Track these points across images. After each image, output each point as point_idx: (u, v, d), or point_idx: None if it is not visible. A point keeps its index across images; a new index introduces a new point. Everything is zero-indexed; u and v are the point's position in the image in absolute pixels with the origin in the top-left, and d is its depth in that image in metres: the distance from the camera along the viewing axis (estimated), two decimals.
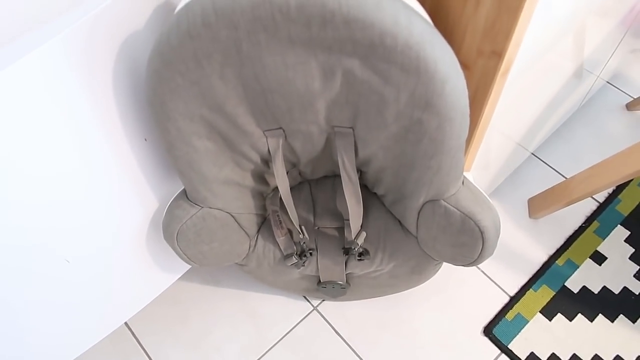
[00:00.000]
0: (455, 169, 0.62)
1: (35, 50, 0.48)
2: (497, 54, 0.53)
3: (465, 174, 0.70)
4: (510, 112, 0.75)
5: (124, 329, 1.00)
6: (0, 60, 0.48)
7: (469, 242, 0.69)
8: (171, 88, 0.54)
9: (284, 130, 0.63)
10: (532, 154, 1.17)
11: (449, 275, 1.03)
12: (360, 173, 0.76)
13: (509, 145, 0.92)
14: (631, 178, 0.86)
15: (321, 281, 0.89)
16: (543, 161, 1.16)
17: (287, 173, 0.76)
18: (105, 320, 0.85)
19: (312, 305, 1.01)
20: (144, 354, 0.98)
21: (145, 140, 0.67)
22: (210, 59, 0.51)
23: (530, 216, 1.09)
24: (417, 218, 0.72)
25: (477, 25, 0.53)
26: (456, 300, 1.01)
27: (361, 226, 0.79)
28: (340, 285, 0.90)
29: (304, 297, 1.02)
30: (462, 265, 0.76)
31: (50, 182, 0.59)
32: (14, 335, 0.71)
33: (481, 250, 0.70)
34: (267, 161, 0.70)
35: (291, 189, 0.84)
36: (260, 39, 0.49)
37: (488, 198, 0.67)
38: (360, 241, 0.78)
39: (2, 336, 0.69)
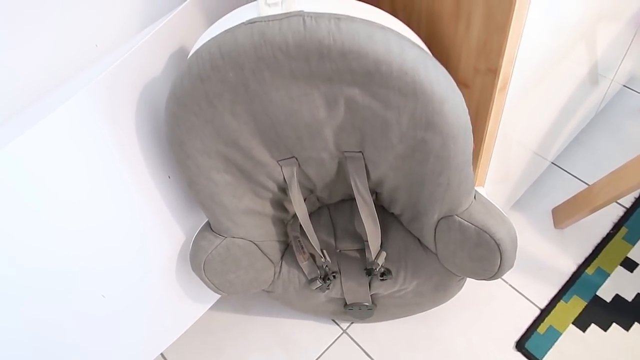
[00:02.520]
0: (465, 183, 0.63)
1: (64, 104, 0.53)
2: (492, 71, 0.55)
3: (477, 188, 0.71)
4: (522, 122, 0.76)
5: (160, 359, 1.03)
6: (35, 113, 0.54)
7: (486, 255, 0.70)
8: (187, 127, 0.58)
9: (296, 159, 0.67)
10: (553, 163, 1.16)
11: (476, 290, 1.03)
12: (376, 195, 0.78)
13: (526, 156, 0.92)
14: None
15: (347, 303, 0.91)
16: (564, 170, 1.15)
17: (305, 199, 0.79)
18: (141, 352, 0.88)
19: (342, 329, 1.02)
20: None
21: (169, 177, 0.72)
22: (221, 99, 0.55)
23: (555, 226, 1.08)
24: (434, 235, 0.74)
25: (471, 45, 0.55)
26: (486, 315, 1.00)
27: (381, 246, 0.81)
28: (367, 306, 0.91)
29: (333, 320, 1.03)
30: (485, 279, 0.76)
31: (83, 223, 0.63)
32: None
33: (500, 262, 0.70)
34: (284, 189, 0.73)
35: (311, 214, 0.87)
36: (265, 76, 0.53)
37: (502, 211, 0.68)
38: (380, 261, 0.80)
39: None
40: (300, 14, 0.49)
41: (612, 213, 1.08)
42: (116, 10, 0.58)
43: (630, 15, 0.86)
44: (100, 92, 0.56)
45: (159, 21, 0.61)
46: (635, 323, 0.94)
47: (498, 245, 0.68)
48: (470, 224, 0.67)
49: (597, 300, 0.98)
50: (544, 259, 1.04)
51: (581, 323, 0.96)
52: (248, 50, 0.50)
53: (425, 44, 0.60)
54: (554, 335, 0.95)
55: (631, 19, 0.89)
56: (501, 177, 0.88)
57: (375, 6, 0.61)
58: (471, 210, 0.67)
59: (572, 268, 1.02)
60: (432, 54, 0.60)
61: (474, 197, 0.68)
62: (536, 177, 1.10)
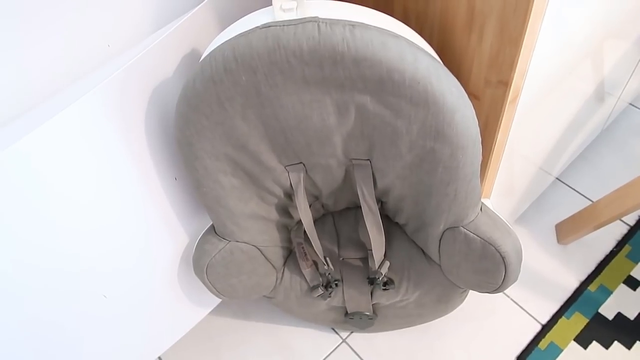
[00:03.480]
0: (472, 195, 0.63)
1: (74, 103, 0.53)
2: (503, 83, 0.55)
3: (484, 200, 0.71)
4: (529, 137, 0.77)
5: None
6: (45, 112, 0.54)
7: (491, 268, 0.70)
8: (197, 129, 0.58)
9: (304, 165, 0.67)
10: (557, 178, 1.16)
11: (478, 304, 1.02)
12: (381, 203, 0.78)
13: (531, 170, 0.92)
14: None
15: (348, 312, 0.90)
16: (569, 186, 1.15)
17: (310, 206, 0.79)
18: (139, 354, 0.88)
19: (341, 338, 1.02)
20: None
21: (176, 179, 0.72)
22: (232, 102, 0.55)
23: (558, 242, 1.08)
24: (439, 246, 0.73)
25: (483, 57, 0.55)
26: (487, 329, 0.99)
27: (385, 256, 0.80)
28: (368, 316, 0.90)
29: (333, 329, 1.03)
30: (488, 292, 0.76)
31: (89, 222, 0.63)
32: None
33: (504, 275, 0.70)
34: (290, 195, 0.73)
35: (315, 221, 0.86)
36: (278, 81, 0.53)
37: (508, 224, 0.68)
38: (384, 270, 0.80)
39: None
40: (315, 20, 0.49)
41: (616, 231, 1.07)
42: (130, 10, 0.59)
43: (638, 34, 0.87)
44: (111, 92, 0.56)
45: (173, 23, 0.61)
46: (637, 342, 0.94)
47: (503, 258, 0.68)
48: (476, 236, 0.67)
49: (599, 318, 0.97)
50: (546, 274, 1.04)
51: (583, 340, 0.95)
52: (262, 54, 0.50)
53: (437, 54, 0.60)
54: (555, 352, 0.95)
55: (639, 38, 0.89)
56: (506, 190, 0.88)
57: (389, 15, 0.62)
58: (477, 222, 0.67)
59: (575, 284, 1.02)
60: (444, 64, 0.60)
61: (481, 209, 0.67)
62: (540, 192, 1.10)
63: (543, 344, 0.96)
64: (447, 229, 0.69)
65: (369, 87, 0.52)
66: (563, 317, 0.98)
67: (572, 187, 1.15)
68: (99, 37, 0.58)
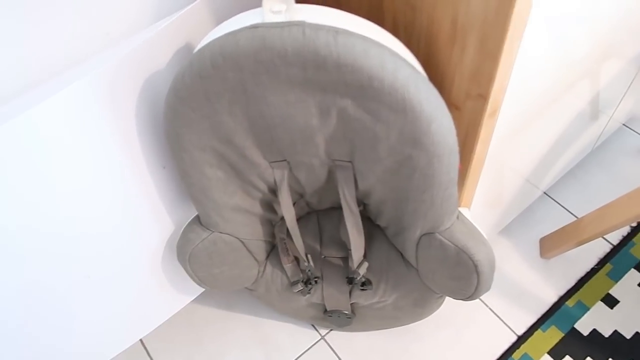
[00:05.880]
0: (448, 203, 0.65)
1: (67, 88, 0.56)
2: (483, 97, 0.57)
3: (462, 209, 0.73)
4: (514, 150, 0.78)
5: (139, 346, 1.04)
6: (40, 94, 0.56)
7: (464, 275, 0.71)
8: (185, 122, 0.60)
9: (288, 162, 0.68)
10: (545, 193, 1.18)
11: (456, 311, 1.04)
12: (364, 206, 0.80)
13: (517, 183, 0.94)
14: None
15: (327, 310, 0.92)
16: (556, 201, 1.16)
17: (294, 203, 0.81)
18: (121, 336, 0.90)
19: (320, 335, 1.04)
20: None
21: (164, 168, 0.74)
22: (219, 97, 0.57)
23: (541, 256, 1.09)
24: (416, 250, 0.75)
25: (464, 70, 0.57)
26: (463, 337, 1.01)
27: (365, 257, 0.82)
28: (346, 314, 0.92)
29: (313, 326, 1.05)
30: (462, 299, 0.78)
31: (80, 203, 0.65)
32: (31, 346, 0.77)
33: (477, 283, 0.72)
34: (274, 191, 0.75)
35: (299, 218, 0.88)
36: (263, 80, 0.55)
37: (483, 234, 0.70)
38: (362, 271, 0.82)
39: (18, 346, 0.75)
40: (301, 24, 0.51)
41: (599, 249, 1.09)
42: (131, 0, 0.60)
43: (633, 54, 0.88)
44: (104, 80, 0.58)
45: (170, 17, 0.63)
46: (610, 359, 0.95)
47: (476, 266, 0.69)
48: (450, 243, 0.69)
49: (574, 333, 0.99)
50: (526, 287, 1.05)
51: (556, 353, 0.97)
52: (248, 53, 0.52)
53: (423, 64, 0.62)
54: None
55: (634, 58, 0.91)
56: (490, 201, 0.90)
57: (378, 24, 0.64)
58: (453, 230, 0.69)
59: (554, 299, 1.04)
60: (428, 74, 0.62)
61: (457, 217, 0.69)
62: (527, 206, 1.12)
63: (517, 355, 0.97)
64: (424, 234, 0.71)
65: (350, 92, 0.54)
66: (539, 329, 1.00)
67: (560, 202, 1.16)
68: (98, 25, 0.60)
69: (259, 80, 0.55)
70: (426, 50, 0.60)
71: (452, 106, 0.62)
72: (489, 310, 1.03)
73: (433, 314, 1.03)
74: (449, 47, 0.57)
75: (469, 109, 0.60)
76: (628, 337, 0.97)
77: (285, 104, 0.57)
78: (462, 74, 0.58)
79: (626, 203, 0.90)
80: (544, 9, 0.52)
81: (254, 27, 0.52)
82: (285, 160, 0.68)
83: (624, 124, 1.27)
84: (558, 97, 0.75)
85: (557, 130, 0.88)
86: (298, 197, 0.81)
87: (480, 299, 1.04)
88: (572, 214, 1.15)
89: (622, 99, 1.04)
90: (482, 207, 0.88)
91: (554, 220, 1.14)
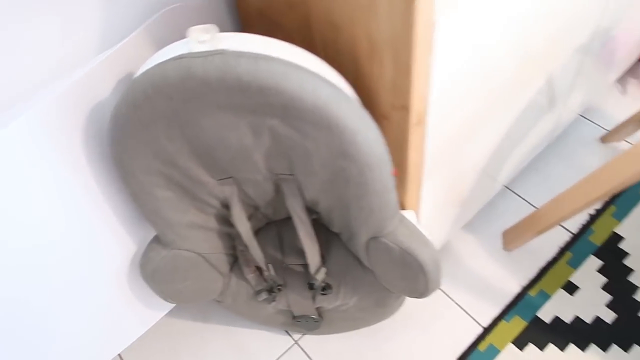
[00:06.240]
0: (387, 208, 0.68)
1: (15, 120, 0.59)
2: (405, 108, 0.60)
3: (407, 212, 0.76)
4: (460, 150, 0.81)
5: None
6: None
7: (412, 275, 0.75)
8: (127, 148, 0.63)
9: (235, 179, 0.72)
10: (506, 187, 1.21)
11: (424, 308, 1.07)
12: (318, 214, 0.83)
13: (474, 179, 0.96)
14: (596, 202, 0.89)
15: (295, 315, 0.95)
16: (517, 194, 1.20)
17: (251, 216, 0.84)
18: (99, 352, 0.93)
19: (294, 340, 1.07)
20: None
21: (120, 191, 0.77)
22: (154, 124, 0.60)
23: (504, 248, 1.12)
24: (367, 254, 0.78)
25: (386, 84, 0.60)
26: (432, 331, 1.04)
27: (324, 262, 0.85)
28: (314, 319, 0.95)
29: (286, 331, 1.08)
30: (416, 297, 0.81)
31: (35, 232, 0.68)
32: None
33: (425, 282, 0.75)
34: (227, 206, 0.78)
35: (260, 229, 0.92)
36: (194, 106, 0.58)
37: (425, 235, 0.73)
38: (320, 277, 0.85)
39: None
40: (223, 52, 0.54)
41: (559, 238, 1.12)
42: (77, 30, 0.63)
43: (575, 46, 0.91)
44: (52, 111, 0.61)
45: (112, 47, 0.66)
46: (571, 344, 0.98)
47: (421, 266, 0.72)
48: (395, 245, 0.72)
49: (536, 321, 1.02)
50: (490, 280, 1.09)
51: (520, 342, 1.00)
52: (175, 82, 0.55)
53: (351, 79, 0.65)
54: (493, 353, 0.99)
55: (577, 49, 0.94)
56: (447, 199, 0.93)
57: (309, 46, 0.67)
58: (396, 233, 0.72)
59: (517, 289, 1.07)
60: (356, 89, 0.65)
61: (400, 221, 0.72)
62: (488, 200, 1.15)
63: (482, 346, 1.00)
64: (371, 238, 0.74)
65: (277, 112, 0.57)
66: (503, 320, 1.03)
67: (521, 195, 1.20)
68: (46, 55, 0.63)
69: (189, 106, 0.58)
70: (352, 67, 0.64)
71: (381, 117, 0.65)
72: (456, 305, 1.07)
73: (402, 313, 1.07)
74: (370, 63, 0.60)
75: (396, 119, 0.64)
76: (588, 321, 1.00)
77: (219, 127, 0.61)
78: (385, 87, 0.61)
79: (581, 189, 0.92)
80: (453, 19, 0.56)
81: (180, 57, 0.55)
82: (231, 177, 0.71)
83: (580, 115, 1.30)
84: (499, 98, 0.78)
85: (509, 127, 0.91)
86: (253, 210, 0.84)
87: (447, 294, 1.08)
88: (533, 205, 1.18)
89: (570, 91, 1.07)
90: (439, 206, 0.91)
91: (516, 213, 1.17)
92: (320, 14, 0.61)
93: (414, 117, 0.61)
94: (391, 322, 1.06)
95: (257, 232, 0.91)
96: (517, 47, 0.72)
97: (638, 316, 0.99)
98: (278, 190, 0.76)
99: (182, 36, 0.70)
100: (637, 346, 0.96)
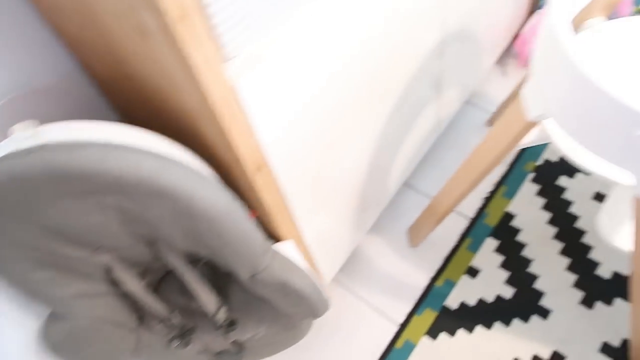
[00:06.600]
0: (252, 249, 0.72)
1: None
2: (238, 160, 0.64)
3: (282, 243, 0.80)
4: (324, 171, 0.86)
5: None
6: None
7: (297, 302, 0.79)
8: None
9: (109, 248, 0.74)
10: (405, 184, 1.27)
11: (343, 315, 1.12)
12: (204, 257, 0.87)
13: (366, 183, 1.01)
14: (477, 182, 0.93)
15: (216, 353, 0.99)
16: (417, 190, 1.26)
17: (146, 269, 0.87)
18: None
19: None
20: None
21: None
22: (10, 214, 0.62)
23: (410, 245, 1.18)
24: (255, 289, 0.82)
25: (219, 143, 0.64)
26: (352, 338, 1.09)
27: (226, 300, 0.89)
28: (234, 352, 0.99)
29: None
30: (312, 318, 0.86)
31: None
32: None
33: (310, 306, 0.80)
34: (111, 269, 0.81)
35: (163, 277, 0.94)
36: (32, 198, 0.60)
37: (297, 264, 0.78)
38: (221, 317, 0.88)
39: None
40: (43, 147, 0.57)
41: (458, 226, 1.19)
42: None
43: (425, 52, 0.97)
44: None
45: None
46: (478, 325, 1.05)
47: (299, 294, 0.77)
48: (272, 280, 0.76)
49: (445, 310, 1.08)
50: (401, 277, 1.15)
51: (432, 333, 1.06)
52: (5, 184, 0.57)
53: (197, 143, 0.69)
54: (409, 348, 1.05)
55: (431, 54, 1.00)
56: (337, 213, 0.97)
57: (155, 114, 0.70)
58: (271, 268, 0.76)
59: (425, 282, 1.13)
60: (201, 151, 0.69)
61: (272, 256, 0.76)
62: (389, 200, 1.20)
63: (399, 343, 1.06)
64: (250, 276, 0.78)
65: (113, 190, 0.60)
66: (415, 315, 1.09)
67: (420, 190, 1.26)
68: None
69: (27, 199, 0.60)
70: (191, 132, 0.67)
71: (226, 170, 0.69)
72: (371, 308, 1.12)
73: (322, 323, 1.11)
74: (199, 127, 0.64)
75: (237, 170, 0.68)
76: (490, 301, 1.07)
77: (66, 212, 0.63)
78: (219, 145, 0.65)
79: (462, 172, 0.97)
80: (260, 76, 0.60)
81: (5, 157, 0.57)
82: (102, 246, 0.74)
83: (466, 102, 1.37)
84: (355, 117, 0.83)
85: (381, 133, 0.96)
86: (145, 267, 0.87)
87: (361, 297, 1.13)
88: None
89: (443, 87, 1.13)
90: (332, 221, 0.96)
91: (418, 208, 1.23)
92: (147, 86, 0.65)
93: (251, 166, 0.66)
94: (313, 333, 1.11)
95: (161, 281, 0.94)
96: (353, 73, 0.77)
97: (533, 288, 1.07)
98: (154, 249, 0.79)
99: (41, 118, 0.73)
100: (534, 316, 1.04)
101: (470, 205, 1.21)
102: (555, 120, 0.64)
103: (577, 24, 0.82)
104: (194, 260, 0.86)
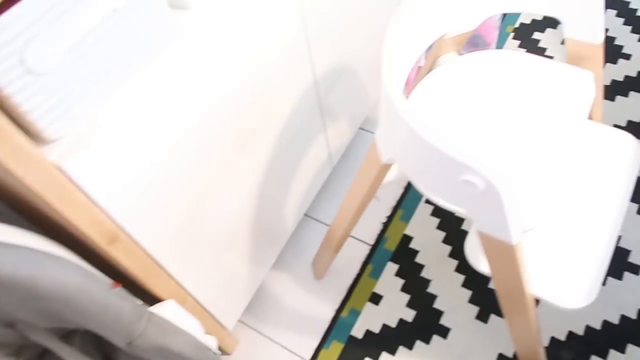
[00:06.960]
0: (121, 319, 0.70)
1: None
2: (88, 237, 0.62)
3: (162, 304, 0.78)
4: (197, 224, 0.84)
5: None
6: None
7: None
8: None
9: None
10: (306, 215, 1.28)
11: (252, 355, 1.11)
12: None
13: (248, 230, 1.00)
14: (364, 204, 0.94)
15: None
16: (318, 220, 1.27)
17: (21, 347, 0.82)
18: None
19: None
20: None
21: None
22: None
23: (315, 277, 1.19)
24: (137, 355, 0.80)
25: (62, 218, 0.62)
26: None
27: None
28: None
29: None
30: None
31: None
32: None
33: None
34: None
35: (45, 351, 0.90)
36: None
37: (177, 325, 0.76)
38: None
39: None
40: None
41: (360, 253, 1.21)
42: None
43: (305, 85, 0.97)
44: None
45: None
46: (383, 352, 1.07)
47: (180, 355, 0.75)
48: (149, 345, 0.74)
49: (352, 340, 1.09)
50: (307, 312, 1.15)
51: None
52: None
53: (49, 222, 0.66)
54: None
55: (301, 100, 1.00)
56: (232, 253, 0.96)
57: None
58: (146, 333, 0.74)
59: (331, 314, 1.14)
60: (58, 229, 0.66)
61: (148, 320, 0.74)
62: (290, 234, 1.20)
63: None
64: (127, 344, 0.75)
65: None
66: (323, 348, 1.09)
67: (321, 220, 1.27)
68: None
69: None
70: (42, 213, 0.64)
71: (81, 245, 0.67)
72: (280, 346, 1.11)
73: None
74: (42, 208, 0.61)
75: (90, 245, 0.65)
76: (393, 326, 1.09)
77: None
78: (65, 224, 0.62)
79: (348, 199, 0.98)
80: (91, 157, 0.58)
81: None
82: None
83: (360, 128, 1.40)
84: (221, 171, 0.83)
85: (266, 168, 0.95)
86: (16, 346, 0.82)
87: (269, 337, 1.12)
88: None
89: (326, 125, 1.15)
90: (223, 267, 0.94)
91: (321, 239, 1.24)
92: None
93: (101, 239, 0.64)
94: None
95: (43, 355, 0.89)
96: (212, 124, 0.77)
97: (433, 308, 1.10)
98: (15, 329, 0.75)
99: None
100: (435, 336, 1.07)
101: (371, 231, 1.23)
102: (399, 164, 0.66)
103: (432, 61, 0.86)
104: (71, 330, 0.83)
